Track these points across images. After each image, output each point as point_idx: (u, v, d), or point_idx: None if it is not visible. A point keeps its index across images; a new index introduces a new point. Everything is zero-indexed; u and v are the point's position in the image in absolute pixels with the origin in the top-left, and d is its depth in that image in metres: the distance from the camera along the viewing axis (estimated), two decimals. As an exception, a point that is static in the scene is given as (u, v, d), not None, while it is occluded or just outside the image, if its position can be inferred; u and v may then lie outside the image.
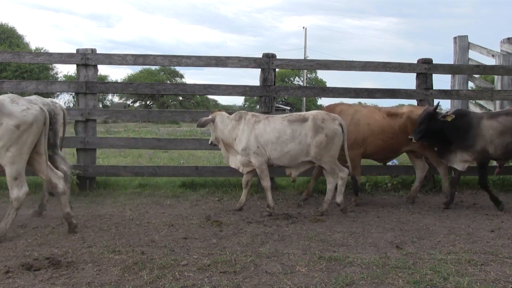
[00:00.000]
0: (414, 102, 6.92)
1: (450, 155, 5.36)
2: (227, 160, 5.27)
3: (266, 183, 5.01)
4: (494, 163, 6.15)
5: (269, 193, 4.99)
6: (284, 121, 4.96)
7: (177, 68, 40.55)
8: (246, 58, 6.53)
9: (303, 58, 28.88)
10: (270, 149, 4.91)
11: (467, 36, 8.87)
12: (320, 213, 4.96)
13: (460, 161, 5.32)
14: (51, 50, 36.59)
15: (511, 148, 5.23)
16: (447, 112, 5.31)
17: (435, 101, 6.84)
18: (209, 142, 5.37)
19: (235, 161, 5.14)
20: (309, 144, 4.86)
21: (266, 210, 4.97)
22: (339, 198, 4.95)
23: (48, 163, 4.09)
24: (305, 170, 5.14)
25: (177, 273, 3.09)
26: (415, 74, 6.69)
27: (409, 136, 5.36)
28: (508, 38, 8.21)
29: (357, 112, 5.56)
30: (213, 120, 5.16)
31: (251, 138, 4.92)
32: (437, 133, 5.23)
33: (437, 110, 5.28)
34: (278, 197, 5.86)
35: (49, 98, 5.04)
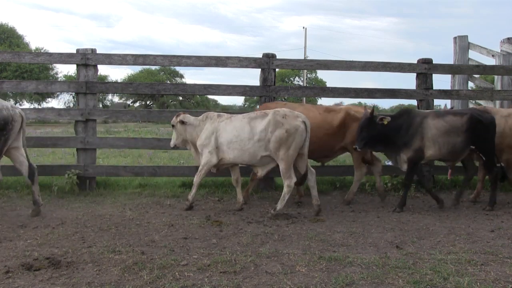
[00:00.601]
0: (414, 102, 6.93)
1: (396, 156, 5.29)
2: (197, 161, 5.28)
3: (198, 179, 5.11)
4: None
5: (195, 189, 5.13)
6: (244, 119, 5.02)
7: (177, 68, 40.60)
8: (246, 58, 6.53)
9: (303, 58, 28.90)
10: (231, 148, 4.96)
11: (467, 36, 8.87)
12: (272, 215, 4.84)
13: (403, 162, 5.25)
14: (51, 50, 36.65)
15: (459, 148, 5.16)
16: (384, 116, 5.19)
17: (435, 101, 6.86)
18: (172, 145, 5.41)
19: None
20: (269, 139, 4.87)
21: (186, 203, 5.12)
22: (280, 205, 4.89)
23: None
24: (271, 169, 5.12)
25: (177, 273, 3.09)
26: (415, 74, 6.69)
27: (353, 146, 5.22)
28: (508, 38, 8.20)
29: (292, 109, 5.44)
30: (182, 122, 5.19)
31: (212, 137, 4.99)
32: (380, 137, 5.13)
33: (374, 114, 5.16)
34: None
35: (10, 103, 5.02)
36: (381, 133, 5.11)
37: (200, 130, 5.14)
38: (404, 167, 5.27)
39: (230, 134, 4.96)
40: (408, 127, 5.17)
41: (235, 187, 5.29)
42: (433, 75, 6.68)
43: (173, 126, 5.33)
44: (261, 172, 5.12)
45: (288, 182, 4.86)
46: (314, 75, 47.67)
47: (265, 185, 6.30)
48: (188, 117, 5.25)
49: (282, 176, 4.89)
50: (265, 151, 4.91)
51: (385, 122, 5.10)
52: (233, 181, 5.30)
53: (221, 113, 5.26)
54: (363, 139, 5.10)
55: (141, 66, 39.32)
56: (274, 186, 6.39)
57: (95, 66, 6.26)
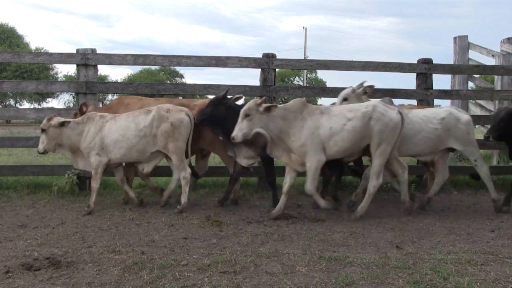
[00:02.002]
0: (414, 102, 6.93)
1: (235, 148, 5.05)
2: (79, 165, 5.23)
3: (96, 184, 5.04)
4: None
5: (94, 195, 5.02)
6: (128, 118, 5.04)
7: (177, 68, 40.57)
8: (246, 58, 6.53)
9: (303, 58, 28.89)
10: (117, 148, 4.96)
11: (467, 36, 8.88)
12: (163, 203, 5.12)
13: (244, 157, 5.12)
14: (51, 50, 36.63)
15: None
16: (232, 97, 5.05)
17: (435, 101, 6.86)
18: (41, 150, 5.04)
19: (84, 164, 5.16)
20: (155, 134, 4.94)
21: (85, 210, 4.97)
22: (183, 199, 4.98)
23: None
24: (156, 164, 5.18)
25: (177, 273, 3.09)
26: (415, 74, 6.69)
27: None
28: (508, 38, 8.21)
29: (145, 105, 5.45)
30: (61, 125, 4.98)
31: (97, 139, 4.96)
32: (221, 121, 4.93)
33: (228, 96, 5.02)
34: (278, 197, 5.85)
35: None
36: (225, 117, 4.91)
37: (80, 133, 5.02)
38: (243, 162, 5.15)
39: (116, 134, 4.96)
40: None
41: (122, 186, 5.29)
42: (433, 75, 6.69)
43: (43, 130, 5.01)
44: (147, 168, 5.15)
45: (183, 174, 5.00)
46: (314, 75, 47.68)
47: (266, 186, 6.29)
48: (66, 120, 5.08)
49: (177, 168, 5.02)
50: (154, 147, 5.00)
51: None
52: (118, 181, 5.31)
53: (104, 114, 5.18)
54: (204, 114, 4.99)
55: (141, 66, 39.31)
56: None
57: (95, 66, 6.26)
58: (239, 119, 4.50)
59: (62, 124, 4.99)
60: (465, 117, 5.19)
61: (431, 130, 5.03)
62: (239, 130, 4.46)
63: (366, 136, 4.64)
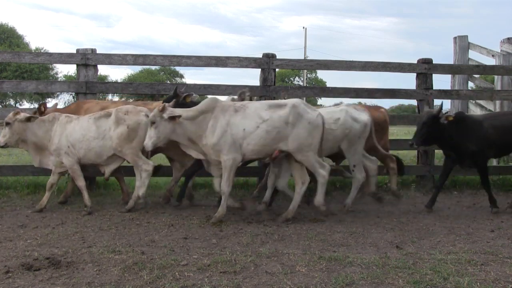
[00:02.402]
0: (414, 102, 6.93)
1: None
2: (37, 162, 5.18)
3: (81, 182, 5.05)
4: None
5: (85, 193, 5.01)
6: (90, 119, 5.02)
7: (177, 68, 40.51)
8: (246, 58, 6.54)
9: (303, 58, 28.89)
10: (78, 148, 4.95)
11: (467, 36, 8.88)
12: (128, 206, 5.04)
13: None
14: (51, 50, 36.61)
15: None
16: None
17: (436, 101, 6.86)
18: (2, 143, 4.94)
19: (47, 162, 5.13)
20: (111, 137, 4.91)
21: (84, 210, 4.95)
22: (141, 191, 4.99)
23: None
24: (116, 167, 5.13)
25: (177, 273, 3.09)
26: (415, 74, 6.69)
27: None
28: (508, 38, 8.21)
29: (103, 109, 5.37)
30: (28, 120, 4.93)
31: (62, 138, 4.95)
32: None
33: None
34: (278, 197, 5.85)
35: None
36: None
37: (46, 131, 4.99)
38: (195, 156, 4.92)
39: (78, 134, 4.95)
40: None
41: (47, 191, 5.11)
42: (433, 75, 6.69)
43: (7, 123, 4.93)
44: (107, 171, 5.12)
45: (145, 167, 4.94)
46: (314, 75, 47.68)
47: (266, 186, 6.29)
48: (33, 116, 5.01)
49: (135, 167, 4.97)
50: (111, 150, 4.95)
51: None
52: (48, 185, 5.11)
53: (70, 115, 5.17)
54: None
55: (141, 66, 39.28)
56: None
57: (95, 66, 6.26)
58: (148, 127, 4.48)
59: (28, 120, 4.95)
60: (363, 117, 5.01)
61: (327, 131, 4.72)
62: (149, 139, 4.42)
63: (283, 137, 4.48)
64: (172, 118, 4.37)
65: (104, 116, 5.01)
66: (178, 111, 4.45)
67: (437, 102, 6.95)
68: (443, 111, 5.09)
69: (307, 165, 4.62)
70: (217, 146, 4.42)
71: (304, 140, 4.49)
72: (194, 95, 5.19)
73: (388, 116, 5.70)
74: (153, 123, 4.42)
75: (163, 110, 4.40)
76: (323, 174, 4.63)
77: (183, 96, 5.04)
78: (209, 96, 4.66)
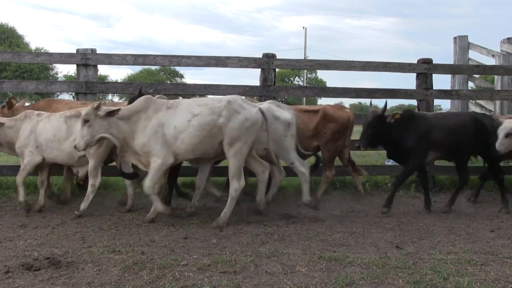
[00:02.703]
0: (414, 102, 6.93)
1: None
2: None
3: (21, 178, 4.91)
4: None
5: (21, 190, 4.92)
6: (61, 118, 4.86)
7: (177, 68, 40.51)
8: (246, 58, 6.54)
9: (303, 58, 28.89)
10: (49, 148, 4.83)
11: (467, 36, 8.88)
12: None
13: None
14: (51, 50, 36.60)
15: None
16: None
17: (436, 101, 6.86)
18: None
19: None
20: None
21: (19, 207, 4.92)
22: (83, 205, 4.79)
23: None
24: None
25: (177, 273, 3.09)
26: (415, 74, 6.69)
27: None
28: (508, 38, 8.22)
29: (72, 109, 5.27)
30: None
31: (31, 137, 4.84)
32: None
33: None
34: (278, 197, 5.85)
35: None
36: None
37: (17, 130, 4.89)
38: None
39: (48, 133, 4.82)
40: None
41: (39, 189, 5.14)
42: (433, 75, 6.69)
43: None
44: (81, 173, 5.00)
45: (92, 182, 4.72)
46: (314, 75, 47.60)
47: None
48: (4, 119, 4.95)
49: (89, 173, 4.74)
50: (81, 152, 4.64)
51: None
52: (38, 182, 5.14)
53: (42, 112, 5.03)
54: None
55: (141, 66, 39.29)
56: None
57: (95, 66, 6.26)
58: (80, 126, 4.25)
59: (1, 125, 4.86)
60: (286, 115, 4.83)
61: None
62: (81, 138, 4.18)
63: (217, 134, 4.28)
64: (108, 114, 4.16)
65: (75, 116, 4.82)
66: (115, 108, 4.27)
67: (437, 102, 6.97)
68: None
69: (231, 165, 4.36)
70: (146, 147, 4.24)
71: (239, 137, 4.28)
72: (161, 95, 5.01)
73: (353, 115, 5.60)
74: (86, 121, 4.18)
75: (97, 107, 4.19)
76: (236, 187, 4.37)
77: (151, 91, 4.87)
78: (145, 96, 4.47)
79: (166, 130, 4.24)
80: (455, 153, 5.30)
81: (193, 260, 3.35)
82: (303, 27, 52.71)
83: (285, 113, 4.91)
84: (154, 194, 4.35)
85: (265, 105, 4.90)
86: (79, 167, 5.02)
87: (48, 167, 5.17)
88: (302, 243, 3.84)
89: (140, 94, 4.89)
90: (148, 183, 4.28)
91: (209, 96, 4.75)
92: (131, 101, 4.79)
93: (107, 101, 4.80)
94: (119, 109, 4.23)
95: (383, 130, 4.87)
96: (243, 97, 4.80)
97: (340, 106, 5.90)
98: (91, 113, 4.19)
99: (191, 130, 4.24)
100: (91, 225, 4.43)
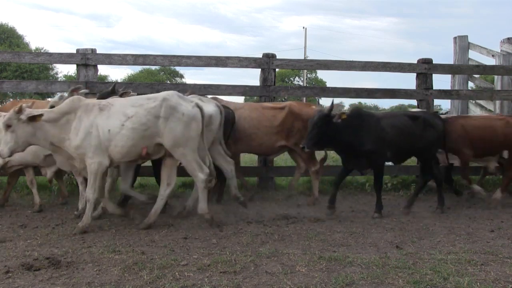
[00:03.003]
0: (414, 102, 6.93)
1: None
2: None
3: None
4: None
5: None
6: None
7: (177, 68, 40.48)
8: (246, 58, 6.54)
9: (303, 58, 28.88)
10: None
11: (467, 36, 8.88)
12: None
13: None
14: (51, 50, 36.58)
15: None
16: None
17: (436, 101, 6.86)
18: None
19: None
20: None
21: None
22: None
23: None
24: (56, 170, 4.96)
25: (177, 273, 3.09)
26: (415, 74, 6.70)
27: None
28: (508, 38, 8.22)
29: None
30: None
31: None
32: None
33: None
34: (278, 197, 5.86)
35: None
36: None
37: None
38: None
39: None
40: None
41: (32, 189, 5.14)
42: (433, 75, 6.70)
43: None
44: (49, 173, 4.98)
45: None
46: (314, 75, 47.54)
47: (265, 186, 6.30)
48: None
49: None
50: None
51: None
52: (28, 183, 5.16)
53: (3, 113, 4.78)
54: None
55: (141, 66, 39.25)
56: (274, 186, 6.39)
57: (95, 66, 6.26)
58: (3, 132, 4.03)
59: None
60: (207, 109, 4.56)
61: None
62: (5, 144, 3.96)
63: (153, 135, 4.12)
64: (31, 119, 3.92)
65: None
66: (40, 111, 4.07)
67: (437, 102, 6.97)
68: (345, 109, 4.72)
69: (185, 165, 4.23)
70: (81, 149, 4.04)
71: (180, 135, 4.12)
72: (131, 92, 4.91)
73: None
74: (9, 126, 3.93)
75: (19, 111, 3.93)
76: (202, 178, 4.23)
77: (120, 93, 4.79)
78: (74, 96, 4.26)
79: (99, 132, 4.04)
80: (404, 156, 5.19)
81: (193, 260, 3.35)
82: (303, 27, 52.66)
83: (207, 106, 4.69)
84: (92, 200, 4.16)
85: (169, 94, 4.46)
86: (46, 167, 4.97)
87: (32, 167, 5.13)
88: (302, 243, 3.84)
89: (113, 92, 4.81)
90: (89, 189, 4.12)
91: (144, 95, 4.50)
92: (100, 98, 4.65)
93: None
94: (42, 114, 3.99)
95: (330, 130, 4.61)
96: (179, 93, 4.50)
97: (306, 103, 5.87)
98: (13, 118, 3.94)
99: (124, 133, 4.04)
100: (91, 225, 4.42)
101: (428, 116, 5.27)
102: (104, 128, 4.05)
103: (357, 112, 4.90)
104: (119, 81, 25.44)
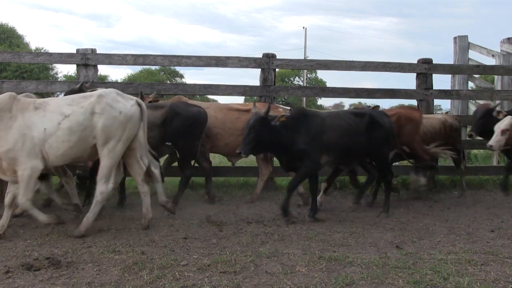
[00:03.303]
0: (414, 102, 6.93)
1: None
2: None
3: None
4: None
5: None
6: None
7: (177, 68, 40.47)
8: (246, 58, 6.55)
9: (303, 58, 28.88)
10: None
11: (467, 36, 8.88)
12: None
13: None
14: (51, 50, 36.58)
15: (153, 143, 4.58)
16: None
17: (436, 101, 6.86)
18: None
19: None
20: None
21: None
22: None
23: None
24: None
25: (177, 273, 3.09)
26: (415, 74, 6.70)
27: None
28: (508, 38, 8.22)
29: None
30: None
31: None
32: None
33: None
34: (278, 197, 5.86)
35: None
36: None
37: None
38: None
39: None
40: None
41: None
42: (433, 75, 6.70)
43: None
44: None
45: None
46: (314, 75, 47.54)
47: (265, 186, 6.29)
48: None
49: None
50: None
51: None
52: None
53: None
54: None
55: (141, 66, 39.24)
56: (274, 186, 6.39)
57: (95, 66, 6.26)
58: None
59: None
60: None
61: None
62: None
63: (89, 135, 3.89)
64: None
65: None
66: None
67: (437, 102, 6.98)
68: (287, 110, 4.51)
69: (101, 166, 3.96)
70: (12, 152, 3.74)
71: (113, 133, 3.89)
72: (97, 89, 4.60)
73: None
74: None
75: None
76: (102, 190, 3.98)
77: (89, 90, 4.57)
78: (7, 93, 3.95)
79: (34, 133, 3.78)
80: (345, 159, 4.86)
81: (193, 260, 3.35)
82: (303, 27, 52.70)
83: (126, 103, 4.23)
84: (32, 208, 3.95)
85: (106, 91, 4.17)
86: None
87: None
88: (302, 243, 3.84)
89: (80, 90, 4.68)
90: (22, 196, 3.81)
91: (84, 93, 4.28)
92: (67, 95, 4.49)
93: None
94: None
95: (267, 134, 4.35)
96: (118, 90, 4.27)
97: (273, 106, 5.85)
98: None
99: (60, 133, 3.80)
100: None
101: (375, 113, 4.95)
102: (39, 127, 3.79)
103: (301, 113, 4.66)
104: (119, 81, 25.46)
